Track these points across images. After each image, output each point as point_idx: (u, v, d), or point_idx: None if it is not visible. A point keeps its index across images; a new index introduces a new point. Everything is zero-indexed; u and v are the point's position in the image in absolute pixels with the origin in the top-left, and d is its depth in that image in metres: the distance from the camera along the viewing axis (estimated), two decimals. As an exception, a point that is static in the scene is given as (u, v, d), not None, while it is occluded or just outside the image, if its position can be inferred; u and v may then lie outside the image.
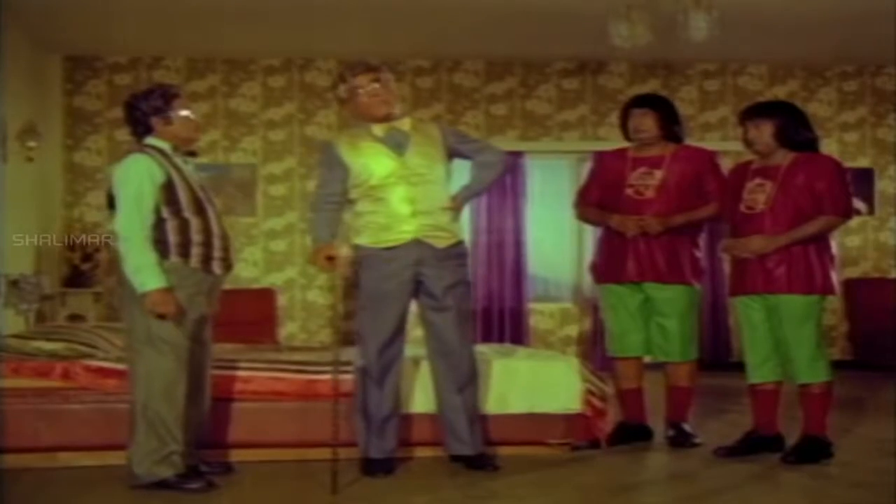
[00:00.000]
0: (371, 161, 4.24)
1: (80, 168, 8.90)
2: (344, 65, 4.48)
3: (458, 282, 4.30)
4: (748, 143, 4.62)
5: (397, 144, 4.27)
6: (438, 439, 4.43)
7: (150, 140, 4.04)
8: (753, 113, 4.62)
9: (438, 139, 4.35)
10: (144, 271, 3.87)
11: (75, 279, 8.45)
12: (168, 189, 3.94)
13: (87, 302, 8.34)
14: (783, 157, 4.54)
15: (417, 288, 4.27)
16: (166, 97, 4.04)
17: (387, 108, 4.27)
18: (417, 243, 4.23)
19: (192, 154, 4.15)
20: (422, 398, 4.51)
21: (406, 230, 4.23)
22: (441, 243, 4.27)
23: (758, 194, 4.53)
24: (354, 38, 8.36)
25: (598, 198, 5.03)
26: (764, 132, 4.54)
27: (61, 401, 4.43)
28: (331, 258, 4.20)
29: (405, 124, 4.33)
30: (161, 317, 3.89)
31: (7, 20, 7.18)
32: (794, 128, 4.54)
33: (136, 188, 3.90)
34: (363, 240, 4.28)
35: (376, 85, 4.26)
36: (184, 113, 4.06)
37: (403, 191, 4.22)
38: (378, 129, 4.29)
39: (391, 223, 4.22)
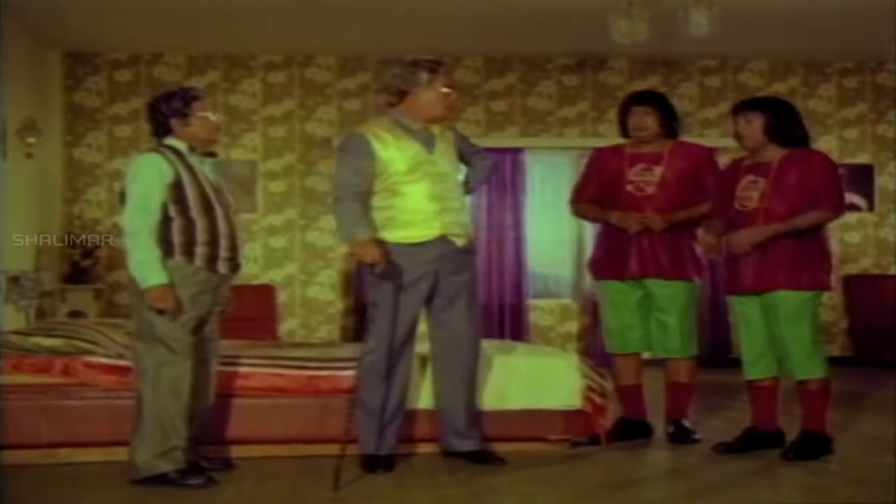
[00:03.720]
0: (401, 154, 4.21)
1: (80, 164, 8.90)
2: (412, 56, 4.40)
3: (472, 279, 4.36)
4: (738, 137, 4.62)
5: (426, 142, 4.28)
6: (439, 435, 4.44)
7: (168, 140, 4.09)
8: (744, 107, 4.62)
9: (453, 141, 4.41)
10: (147, 267, 3.92)
11: (75, 275, 8.44)
12: (176, 188, 3.98)
13: (87, 298, 8.34)
14: (775, 154, 4.53)
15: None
16: (186, 99, 4.08)
17: (449, 114, 4.33)
18: (442, 240, 4.25)
19: (211, 154, 4.19)
20: (425, 394, 4.52)
21: (434, 226, 4.23)
22: (461, 241, 4.30)
23: (751, 191, 4.52)
24: (355, 35, 8.36)
25: (596, 194, 5.03)
26: (753, 126, 4.54)
27: (61, 397, 4.44)
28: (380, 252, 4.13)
29: (435, 128, 4.34)
30: (160, 312, 3.92)
31: (7, 16, 7.18)
32: (783, 123, 4.52)
33: (144, 186, 3.95)
34: (389, 235, 4.22)
35: (452, 91, 4.31)
36: (203, 115, 4.10)
37: (430, 187, 4.23)
38: (415, 125, 4.27)
39: (419, 219, 4.21)
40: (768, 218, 4.44)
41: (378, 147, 4.19)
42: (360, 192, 4.19)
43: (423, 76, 4.24)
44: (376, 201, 4.24)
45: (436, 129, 4.33)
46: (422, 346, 4.46)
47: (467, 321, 4.32)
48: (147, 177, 3.96)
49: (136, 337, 4.04)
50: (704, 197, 4.86)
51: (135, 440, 3.97)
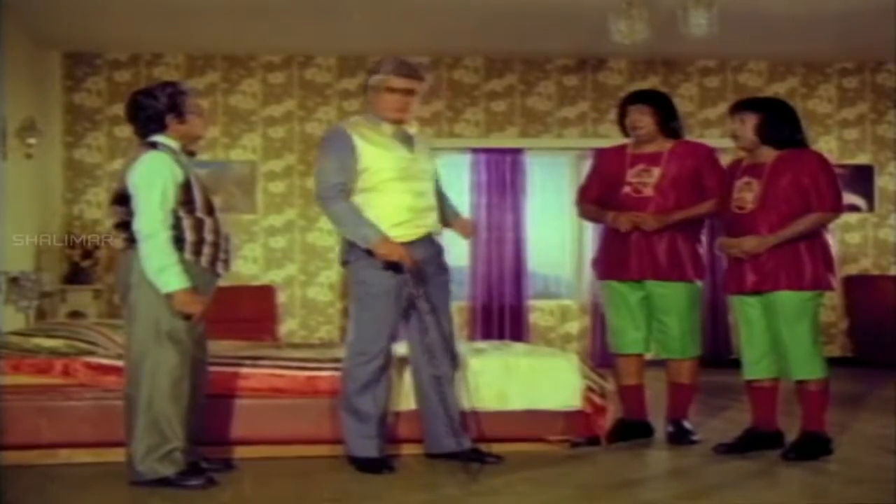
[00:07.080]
0: (386, 153, 4.20)
1: (80, 165, 8.90)
2: (391, 57, 4.42)
3: (449, 279, 4.42)
4: (734, 137, 4.64)
5: (405, 141, 4.29)
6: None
7: (161, 138, 3.99)
8: (739, 107, 4.63)
9: (428, 145, 4.49)
10: (169, 271, 3.85)
11: (75, 276, 8.45)
12: (186, 188, 3.92)
13: (87, 299, 8.35)
14: (769, 155, 4.53)
15: None
16: (182, 94, 4.00)
17: (399, 116, 4.27)
18: (428, 239, 4.28)
19: (191, 154, 4.12)
20: (409, 396, 4.50)
21: (424, 224, 4.26)
22: (438, 240, 4.36)
23: (745, 193, 4.53)
24: (355, 35, 8.36)
25: (598, 195, 5.03)
26: (746, 126, 4.54)
27: (61, 398, 4.44)
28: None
29: (412, 127, 4.36)
30: (187, 317, 3.88)
31: (7, 16, 7.18)
32: (777, 123, 4.52)
33: (161, 187, 3.86)
34: None
35: (409, 93, 4.24)
36: (196, 111, 4.03)
37: (416, 186, 4.24)
38: (387, 128, 4.27)
39: (406, 217, 4.21)
40: (766, 220, 4.44)
41: (360, 144, 4.17)
42: (346, 191, 4.17)
43: (377, 77, 4.26)
44: (361, 200, 4.19)
45: (412, 129, 4.35)
46: (400, 348, 4.45)
47: (449, 321, 4.37)
48: (162, 177, 3.86)
49: (134, 340, 3.95)
50: (704, 197, 4.85)
51: (133, 445, 3.92)
